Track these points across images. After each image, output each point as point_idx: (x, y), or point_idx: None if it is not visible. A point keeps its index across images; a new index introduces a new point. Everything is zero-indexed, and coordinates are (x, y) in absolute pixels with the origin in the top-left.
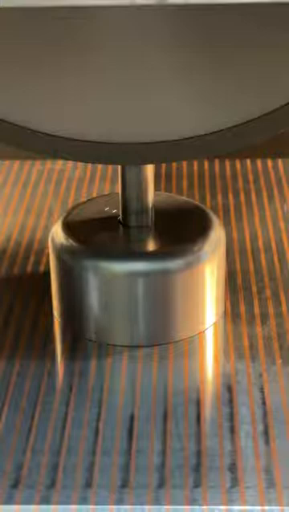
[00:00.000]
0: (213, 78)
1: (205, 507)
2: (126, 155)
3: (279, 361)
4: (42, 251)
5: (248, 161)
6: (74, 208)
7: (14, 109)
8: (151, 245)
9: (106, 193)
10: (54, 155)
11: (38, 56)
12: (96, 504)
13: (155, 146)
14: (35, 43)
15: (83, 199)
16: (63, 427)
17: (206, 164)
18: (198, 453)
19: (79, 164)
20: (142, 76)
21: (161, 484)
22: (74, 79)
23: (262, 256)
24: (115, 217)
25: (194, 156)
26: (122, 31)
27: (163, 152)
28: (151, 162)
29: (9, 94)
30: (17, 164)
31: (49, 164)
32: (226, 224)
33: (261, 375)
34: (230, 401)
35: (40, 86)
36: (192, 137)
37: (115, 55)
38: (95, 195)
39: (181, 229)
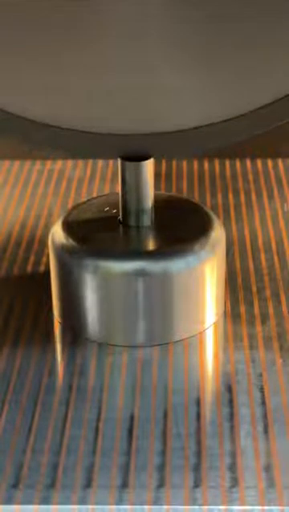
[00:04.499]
0: (217, 67)
1: (205, 507)
2: (128, 147)
3: (279, 361)
4: (42, 251)
5: (248, 161)
6: (74, 208)
7: (15, 99)
8: (151, 245)
9: (106, 192)
10: (57, 147)
11: (37, 45)
12: (96, 504)
13: (159, 137)
14: (34, 32)
15: (83, 199)
16: (63, 427)
17: (206, 163)
18: (198, 453)
19: (79, 164)
20: (144, 67)
21: (161, 484)
22: (75, 70)
23: (262, 256)
24: (115, 217)
25: (198, 147)
26: (124, 20)
27: (166, 143)
28: (157, 154)
29: (8, 84)
30: (17, 164)
31: (49, 164)
32: (226, 224)
33: (261, 375)
34: (230, 401)
35: (41, 76)
36: (196, 127)
37: (116, 45)
38: (95, 195)
39: (181, 229)
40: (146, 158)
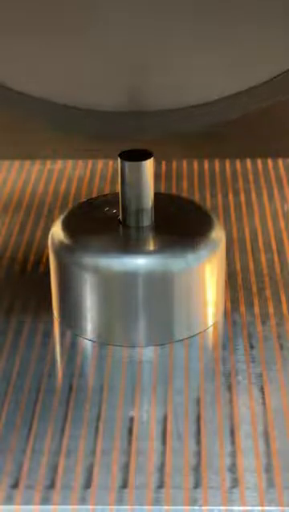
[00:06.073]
0: (218, 45)
1: (205, 508)
2: (131, 125)
3: (279, 361)
4: (42, 251)
5: (248, 161)
6: (74, 208)
7: (19, 76)
8: (151, 245)
9: (106, 192)
10: (73, 128)
11: (39, 21)
12: (96, 504)
13: (162, 114)
14: (34, 6)
15: (83, 199)
16: (63, 427)
17: (206, 163)
18: (198, 453)
19: (79, 164)
20: (147, 47)
21: (161, 484)
22: (82, 48)
23: (262, 256)
24: (115, 217)
25: (199, 124)
26: None
27: (168, 121)
28: (160, 132)
29: (9, 60)
30: (17, 163)
31: (49, 164)
32: (226, 224)
33: (261, 375)
34: (230, 401)
35: (51, 53)
36: (197, 105)
37: (123, 23)
38: (95, 195)
39: (181, 229)
40: (146, 157)
